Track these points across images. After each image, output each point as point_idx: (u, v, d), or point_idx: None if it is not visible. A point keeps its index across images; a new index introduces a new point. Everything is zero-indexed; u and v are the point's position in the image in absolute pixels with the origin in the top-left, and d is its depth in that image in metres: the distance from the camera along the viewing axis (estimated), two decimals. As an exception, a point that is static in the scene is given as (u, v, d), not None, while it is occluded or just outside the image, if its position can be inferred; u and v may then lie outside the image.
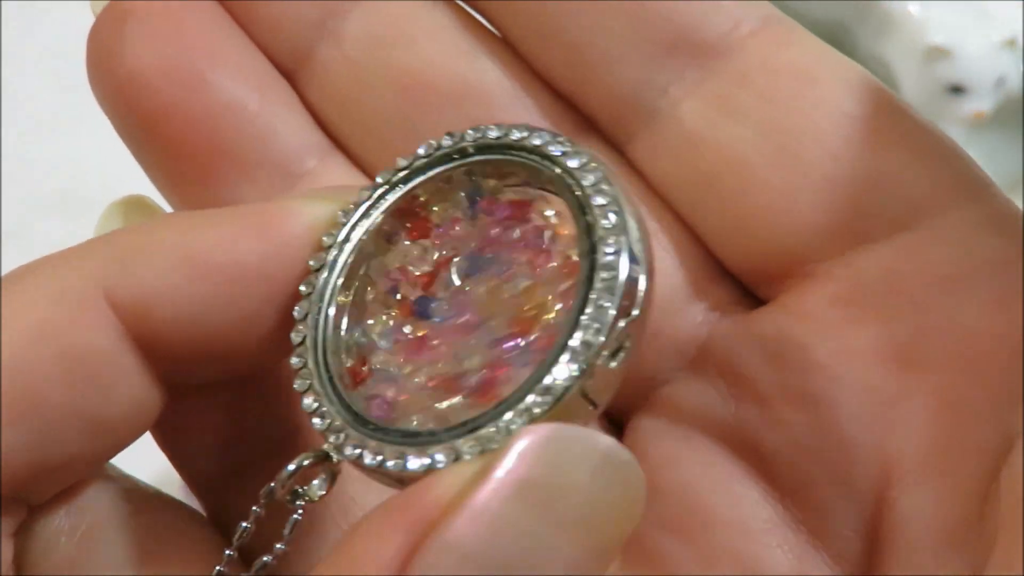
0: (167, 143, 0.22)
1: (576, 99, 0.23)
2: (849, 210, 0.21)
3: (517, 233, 0.20)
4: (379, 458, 0.19)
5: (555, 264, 0.20)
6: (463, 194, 0.21)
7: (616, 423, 0.23)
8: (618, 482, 0.17)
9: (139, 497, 0.21)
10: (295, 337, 0.20)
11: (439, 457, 0.18)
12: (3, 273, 0.20)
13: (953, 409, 0.20)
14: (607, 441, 0.17)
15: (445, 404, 0.19)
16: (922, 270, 0.20)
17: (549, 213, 0.20)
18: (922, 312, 0.20)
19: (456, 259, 0.21)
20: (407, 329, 0.20)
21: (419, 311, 0.21)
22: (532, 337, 0.19)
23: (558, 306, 0.19)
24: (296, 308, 0.20)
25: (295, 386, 0.20)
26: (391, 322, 0.21)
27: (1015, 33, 0.41)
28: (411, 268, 0.21)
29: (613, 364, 0.18)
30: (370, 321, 0.21)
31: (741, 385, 0.21)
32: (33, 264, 0.19)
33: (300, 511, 0.20)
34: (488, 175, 0.21)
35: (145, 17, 0.22)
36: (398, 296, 0.21)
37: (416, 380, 0.20)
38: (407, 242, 0.21)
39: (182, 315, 0.19)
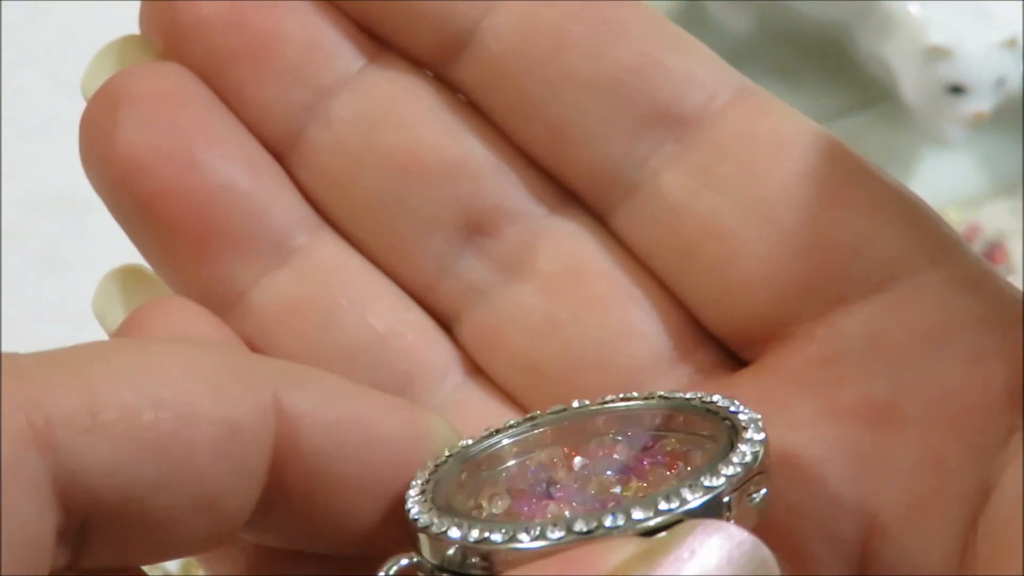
0: (162, 223, 0.23)
1: (558, 174, 0.23)
2: (827, 274, 0.22)
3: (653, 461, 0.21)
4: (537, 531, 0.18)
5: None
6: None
7: None
8: None
9: None
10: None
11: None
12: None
13: (933, 463, 0.20)
14: (758, 542, 0.17)
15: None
16: (900, 330, 0.21)
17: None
18: (901, 371, 0.21)
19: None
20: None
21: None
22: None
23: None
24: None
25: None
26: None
27: (1015, 33, 0.41)
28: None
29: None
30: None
31: None
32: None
33: None
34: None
35: (137, 101, 0.22)
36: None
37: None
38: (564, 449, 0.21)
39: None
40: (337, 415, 0.19)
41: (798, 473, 0.21)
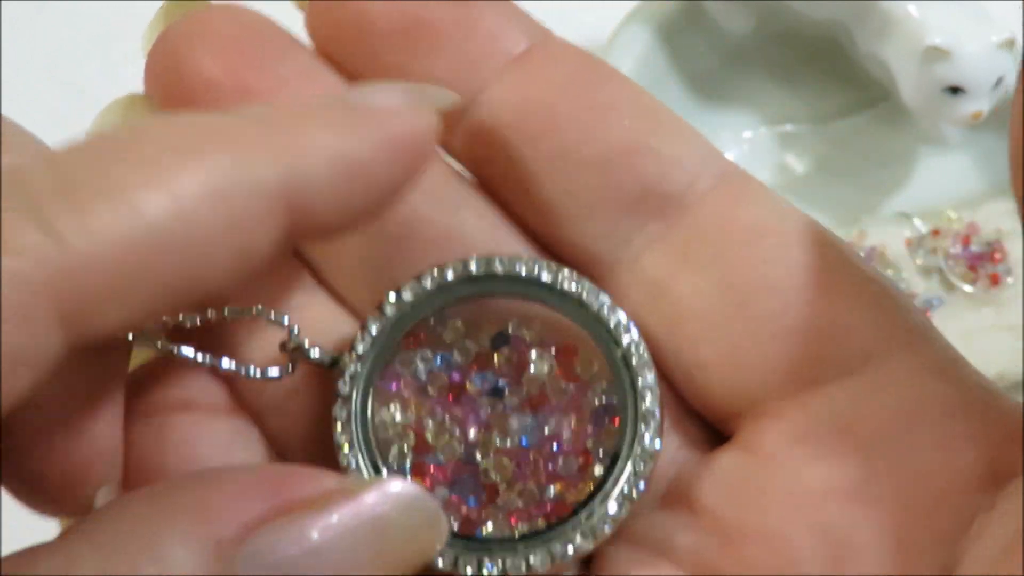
0: None
1: (548, 246, 0.24)
2: (801, 356, 0.23)
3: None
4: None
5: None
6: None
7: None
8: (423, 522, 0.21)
9: None
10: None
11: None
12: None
13: (900, 545, 0.21)
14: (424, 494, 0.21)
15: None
16: (870, 414, 0.22)
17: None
18: (871, 454, 0.22)
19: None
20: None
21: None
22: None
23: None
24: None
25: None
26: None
27: (1014, 34, 0.41)
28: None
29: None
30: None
31: (704, 519, 0.23)
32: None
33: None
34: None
35: (210, 36, 0.23)
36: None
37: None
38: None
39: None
40: (346, 164, 0.20)
41: (768, 548, 0.22)
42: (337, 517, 0.19)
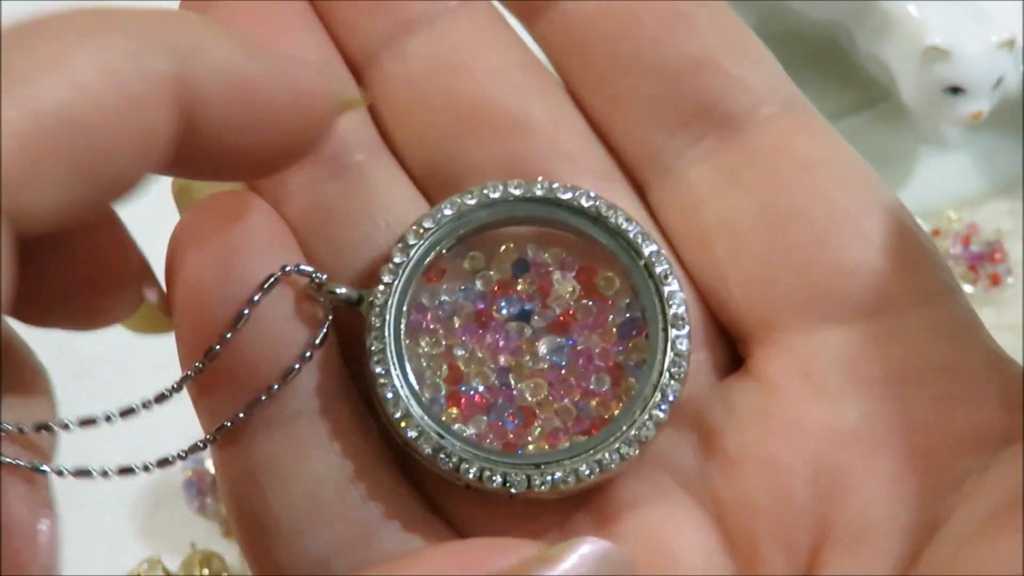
0: None
1: (608, 140, 0.25)
2: (821, 290, 0.23)
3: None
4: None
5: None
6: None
7: None
8: None
9: None
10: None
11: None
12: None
13: (891, 491, 0.22)
14: (621, 550, 0.20)
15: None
16: (878, 360, 0.23)
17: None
18: (872, 400, 0.22)
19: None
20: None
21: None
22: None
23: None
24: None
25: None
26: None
27: (1014, 34, 0.41)
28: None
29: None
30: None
31: (710, 442, 0.23)
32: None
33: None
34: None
35: (231, 9, 0.24)
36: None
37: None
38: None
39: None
40: (241, 80, 0.20)
41: (764, 475, 0.22)
42: None
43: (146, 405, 0.22)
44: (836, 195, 0.23)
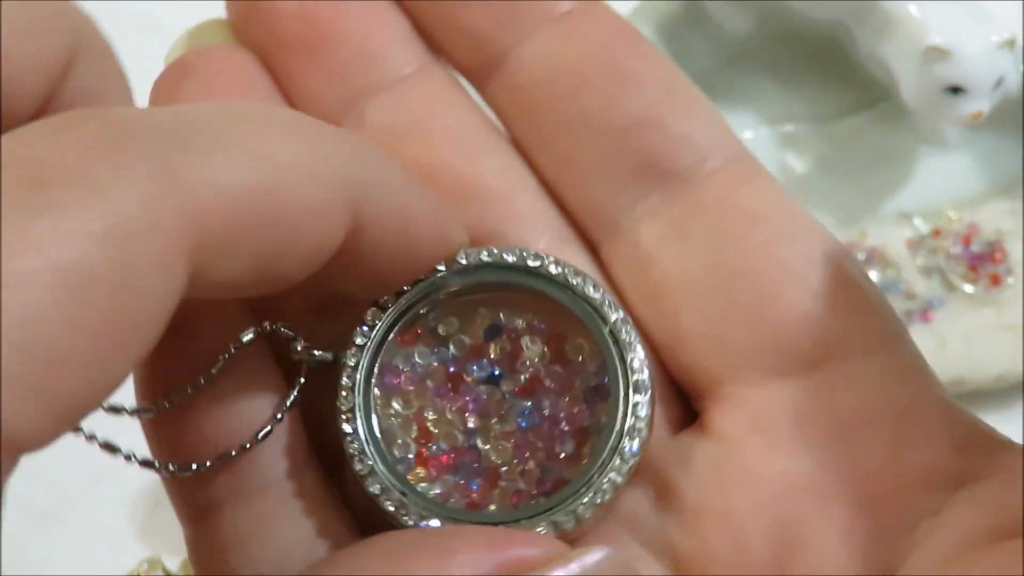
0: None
1: (560, 200, 0.25)
2: (771, 345, 0.23)
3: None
4: None
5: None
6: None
7: None
8: None
9: None
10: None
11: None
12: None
13: (846, 539, 0.22)
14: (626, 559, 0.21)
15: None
16: (829, 410, 0.23)
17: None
18: (824, 449, 0.23)
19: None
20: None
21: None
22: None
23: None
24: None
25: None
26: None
27: (1014, 33, 0.41)
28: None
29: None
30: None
31: (668, 496, 0.24)
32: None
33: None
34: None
35: (201, 75, 0.25)
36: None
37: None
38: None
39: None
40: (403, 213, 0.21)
41: (722, 528, 0.23)
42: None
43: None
44: (780, 248, 0.24)
